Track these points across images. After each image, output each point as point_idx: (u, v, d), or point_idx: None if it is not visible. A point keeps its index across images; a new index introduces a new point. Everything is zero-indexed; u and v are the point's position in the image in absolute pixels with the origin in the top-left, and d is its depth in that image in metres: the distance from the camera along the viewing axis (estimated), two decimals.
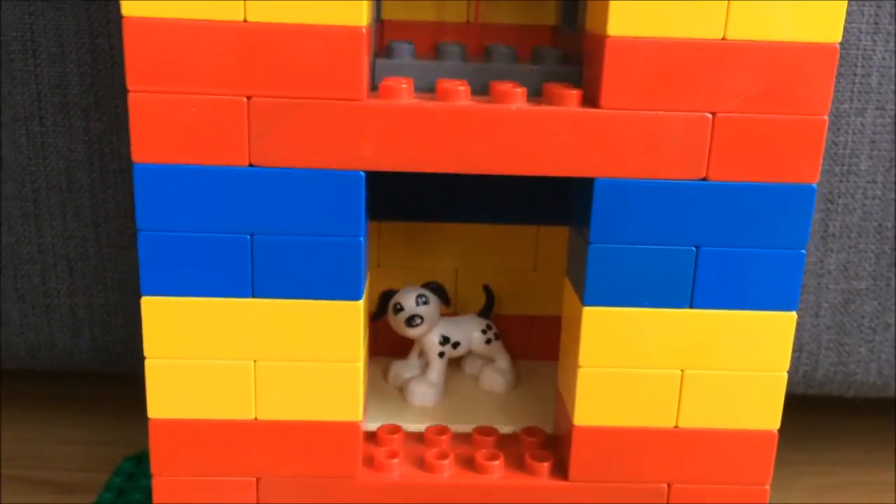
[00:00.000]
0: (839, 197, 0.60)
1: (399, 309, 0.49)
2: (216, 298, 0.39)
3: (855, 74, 0.58)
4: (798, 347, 0.63)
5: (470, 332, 0.52)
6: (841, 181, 0.60)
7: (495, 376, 0.52)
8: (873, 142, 0.59)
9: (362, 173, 0.38)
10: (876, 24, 0.57)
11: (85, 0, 0.56)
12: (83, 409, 0.70)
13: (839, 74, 0.58)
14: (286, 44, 0.36)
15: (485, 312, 0.54)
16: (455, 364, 0.54)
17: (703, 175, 0.38)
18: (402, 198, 0.52)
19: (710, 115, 0.38)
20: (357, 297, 0.39)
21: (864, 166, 0.60)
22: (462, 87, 0.38)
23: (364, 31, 0.36)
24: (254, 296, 0.39)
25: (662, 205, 0.38)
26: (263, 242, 0.39)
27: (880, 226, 0.61)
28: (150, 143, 0.37)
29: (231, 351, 0.39)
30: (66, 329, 0.62)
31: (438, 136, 0.38)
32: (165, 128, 0.37)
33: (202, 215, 0.38)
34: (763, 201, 0.39)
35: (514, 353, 0.55)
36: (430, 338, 0.51)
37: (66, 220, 0.60)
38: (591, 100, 0.39)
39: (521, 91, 0.38)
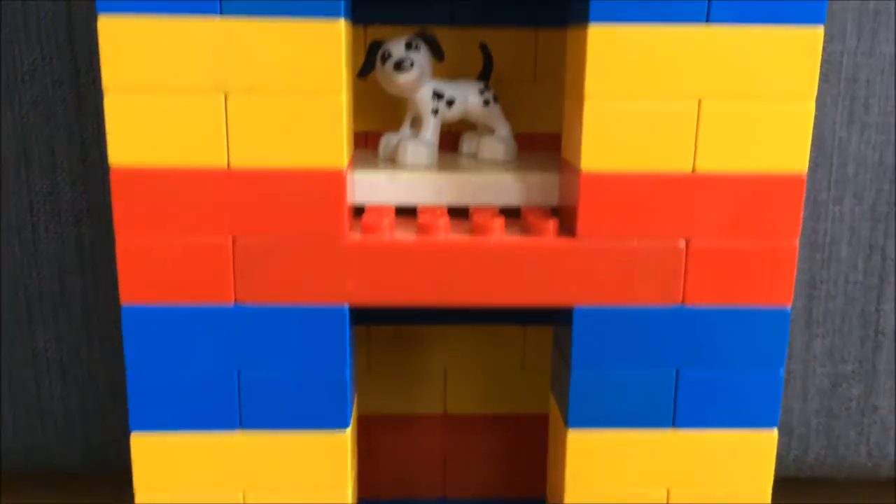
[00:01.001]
0: (821, 283, 0.61)
1: (387, 57, 0.45)
2: (204, 432, 0.39)
3: (832, 164, 0.59)
4: (788, 431, 0.64)
5: (466, 92, 0.47)
6: (822, 268, 0.61)
7: (495, 144, 0.48)
8: (852, 229, 0.60)
9: (346, 308, 0.39)
10: (850, 115, 0.58)
11: (76, 112, 0.57)
12: None
13: (816, 164, 0.59)
14: (269, 187, 0.37)
15: (483, 75, 0.49)
16: (452, 147, 0.51)
17: (680, 300, 0.39)
18: None
19: (683, 243, 0.39)
20: (344, 426, 0.40)
21: (845, 253, 0.61)
22: (442, 220, 0.39)
23: (344, 172, 0.38)
24: (241, 427, 0.40)
25: (641, 330, 0.39)
26: (250, 378, 0.39)
27: (863, 310, 0.62)
28: (137, 286, 0.38)
29: (220, 484, 0.40)
30: (59, 432, 0.62)
31: (420, 271, 0.38)
32: (153, 270, 0.38)
33: (190, 353, 0.39)
34: (739, 324, 0.39)
35: (502, 451, 0.55)
36: (423, 93, 0.46)
37: (59, 325, 0.61)
38: (567, 228, 0.40)
39: (499, 222, 0.40)
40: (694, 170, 0.38)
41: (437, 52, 0.46)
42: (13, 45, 0.56)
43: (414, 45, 0.45)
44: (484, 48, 0.49)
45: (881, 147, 0.59)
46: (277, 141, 0.37)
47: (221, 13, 0.35)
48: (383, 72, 0.45)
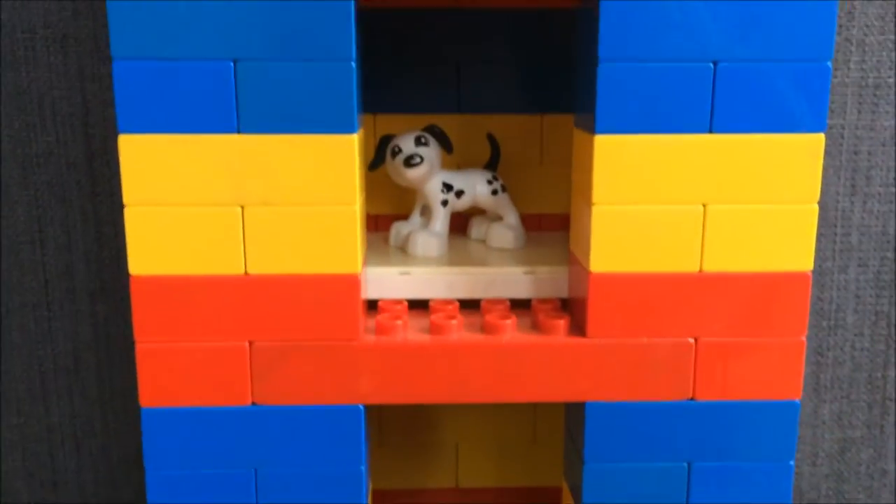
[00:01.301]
0: (828, 350, 0.62)
1: (397, 152, 0.46)
2: None
3: (836, 234, 0.60)
4: (798, 496, 0.64)
5: (475, 182, 0.48)
6: (829, 335, 0.62)
7: (504, 231, 0.49)
8: (858, 297, 0.61)
9: (361, 407, 0.40)
10: (852, 186, 0.59)
11: (90, 193, 0.58)
12: None
13: (821, 233, 0.60)
14: (285, 291, 0.38)
15: (490, 164, 0.50)
16: (461, 231, 0.51)
17: (690, 395, 0.40)
18: None
19: (693, 340, 0.39)
20: None
21: (851, 320, 0.61)
22: (454, 320, 0.40)
23: (358, 276, 0.38)
24: None
25: (652, 424, 0.40)
26: (267, 475, 0.40)
27: (870, 376, 0.62)
28: (157, 389, 0.39)
29: None
30: None
31: (433, 370, 0.39)
32: (172, 374, 0.39)
33: (208, 452, 0.39)
34: (749, 418, 0.40)
35: None
36: (432, 185, 0.47)
37: (73, 399, 0.62)
38: (577, 325, 0.41)
39: (510, 322, 0.40)
40: (701, 270, 0.39)
41: (446, 146, 0.47)
42: (29, 128, 0.57)
43: (423, 140, 0.46)
44: (491, 138, 0.50)
45: (884, 217, 0.60)
46: (293, 248, 0.38)
47: (239, 131, 0.36)
48: (393, 165, 0.47)
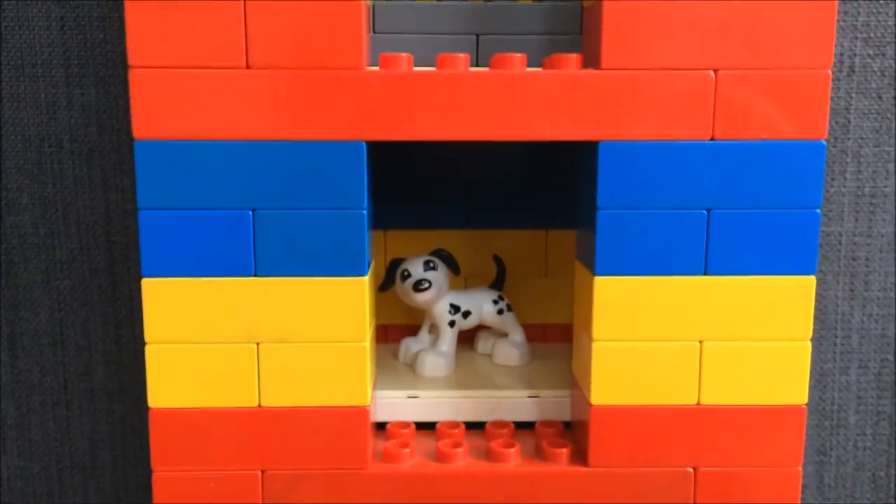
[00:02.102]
0: (831, 449, 0.63)
1: (406, 276, 0.48)
2: None
3: (836, 337, 0.61)
4: None
5: (481, 303, 0.50)
6: (832, 434, 0.62)
7: (509, 349, 0.50)
8: (859, 398, 0.62)
9: None
10: (851, 290, 0.61)
11: (111, 297, 0.60)
12: None
13: (821, 336, 0.62)
14: (297, 423, 0.40)
15: (496, 284, 0.52)
16: (468, 344, 0.53)
17: None
18: None
19: (692, 470, 0.41)
20: None
21: (853, 420, 0.62)
22: (460, 449, 0.42)
23: (368, 409, 0.40)
24: None
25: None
26: None
27: (874, 475, 0.63)
28: None
29: None
30: None
31: (439, 497, 0.40)
32: (187, 501, 0.40)
33: None
34: None
35: None
36: (440, 307, 0.49)
37: (89, 496, 0.63)
38: (580, 453, 0.42)
39: (514, 451, 0.42)
40: (699, 402, 0.40)
41: (453, 268, 0.49)
42: (53, 236, 0.60)
43: (431, 264, 0.48)
44: (497, 259, 0.52)
45: (883, 320, 0.61)
46: (305, 383, 0.39)
47: (256, 274, 0.38)
48: (403, 288, 0.49)
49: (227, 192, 0.38)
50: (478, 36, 0.46)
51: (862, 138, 0.59)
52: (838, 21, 0.58)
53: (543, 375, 0.48)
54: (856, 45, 0.58)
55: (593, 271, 0.39)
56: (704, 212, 0.39)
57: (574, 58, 0.38)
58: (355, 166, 0.38)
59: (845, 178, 0.60)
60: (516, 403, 0.45)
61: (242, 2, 0.37)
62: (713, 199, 0.38)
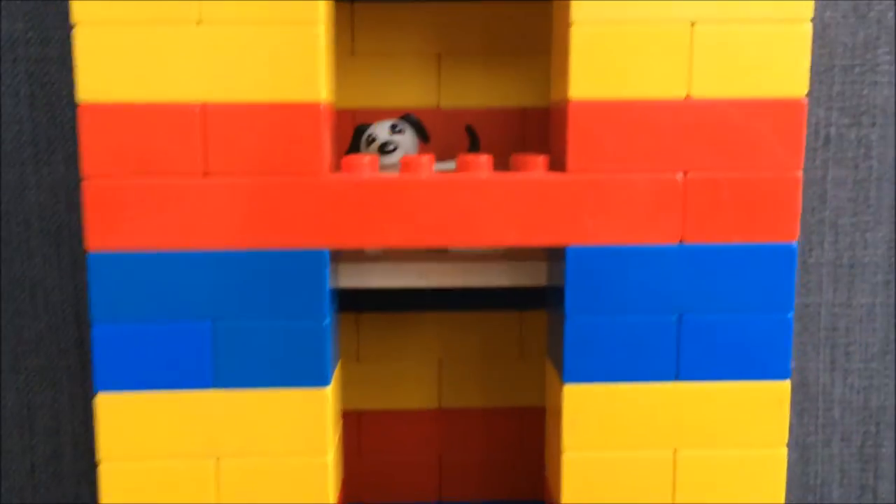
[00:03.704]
0: None
1: (372, 140, 0.45)
2: None
3: (818, 409, 0.60)
4: None
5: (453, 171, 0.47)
6: None
7: None
8: (842, 470, 0.61)
9: None
10: (832, 362, 0.60)
11: (81, 378, 0.59)
12: None
13: (802, 409, 0.61)
14: None
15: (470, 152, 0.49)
16: None
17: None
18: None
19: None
20: None
21: (836, 494, 0.61)
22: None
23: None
24: None
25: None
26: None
27: None
28: None
29: None
30: None
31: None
32: None
33: None
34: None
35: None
36: None
37: None
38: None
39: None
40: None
41: (422, 135, 0.47)
42: (21, 315, 0.58)
43: (399, 128, 0.46)
44: (470, 129, 0.49)
45: (865, 391, 0.60)
46: (267, 495, 0.38)
47: (214, 386, 0.37)
48: (368, 153, 0.46)
49: (186, 303, 0.37)
50: None
51: (839, 208, 0.59)
52: (813, 92, 0.58)
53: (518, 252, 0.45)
54: (831, 115, 0.58)
55: (562, 378, 0.38)
56: (675, 317, 0.38)
57: (540, 160, 0.37)
58: (317, 274, 0.37)
59: (823, 249, 0.59)
60: (489, 270, 0.43)
61: (200, 109, 0.36)
62: (683, 304, 0.38)
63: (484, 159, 0.37)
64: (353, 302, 0.52)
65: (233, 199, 0.36)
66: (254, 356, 0.37)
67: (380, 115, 0.49)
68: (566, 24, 0.37)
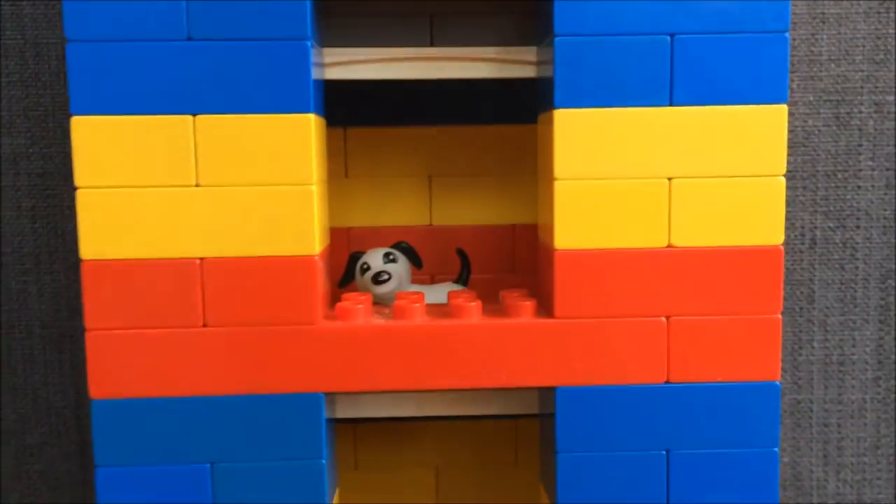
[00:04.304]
0: None
1: (366, 269, 0.46)
2: None
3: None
4: None
5: (444, 297, 0.47)
6: None
7: None
8: None
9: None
10: (825, 457, 0.61)
11: (82, 483, 0.60)
12: None
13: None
14: None
15: (461, 279, 0.50)
16: None
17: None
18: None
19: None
20: None
21: None
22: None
23: None
24: None
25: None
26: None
27: None
28: None
29: None
30: None
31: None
32: None
33: None
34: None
35: None
36: None
37: None
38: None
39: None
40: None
41: (415, 261, 0.48)
42: (24, 421, 0.59)
43: (391, 256, 0.47)
44: (461, 253, 0.50)
45: (858, 485, 0.61)
46: None
47: None
48: (362, 282, 0.47)
49: (186, 447, 0.38)
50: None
51: (827, 308, 0.60)
52: (798, 196, 0.59)
53: None
54: (816, 219, 0.59)
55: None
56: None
57: (529, 305, 0.39)
58: (314, 417, 0.38)
59: (813, 347, 0.60)
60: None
61: (198, 262, 0.37)
62: (671, 441, 0.39)
63: (474, 305, 0.39)
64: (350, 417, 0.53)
65: (231, 348, 0.38)
66: (253, 496, 0.38)
67: (373, 233, 0.51)
68: (550, 178, 0.38)
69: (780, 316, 0.38)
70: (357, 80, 0.43)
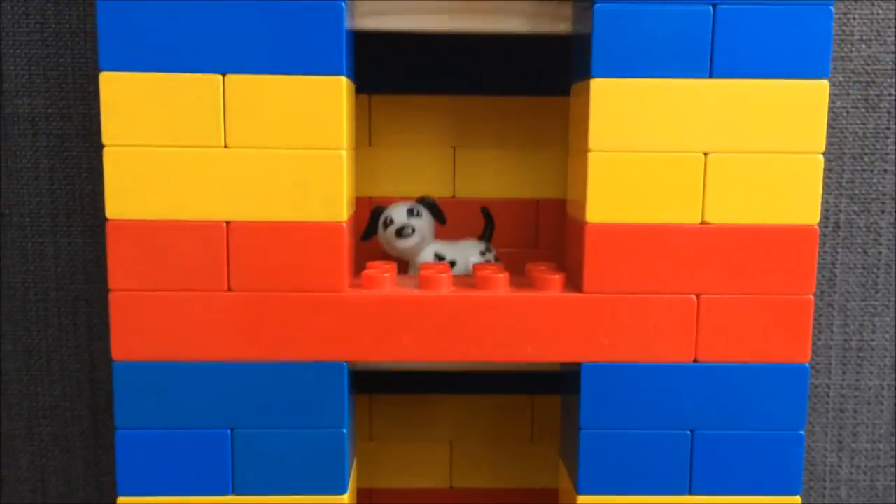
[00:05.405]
0: None
1: (389, 223, 0.46)
2: None
3: (824, 489, 0.61)
4: None
5: (468, 254, 0.47)
6: None
7: None
8: None
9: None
10: (839, 442, 0.60)
11: (94, 443, 0.60)
12: None
13: (809, 487, 0.61)
14: None
15: (484, 235, 0.49)
16: None
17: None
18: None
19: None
20: None
21: None
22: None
23: None
24: None
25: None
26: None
27: None
28: None
29: None
30: None
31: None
32: None
33: None
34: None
35: None
36: (424, 255, 0.46)
37: None
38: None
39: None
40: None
41: (438, 217, 0.47)
42: (36, 382, 0.59)
43: (415, 211, 0.46)
44: (485, 212, 0.50)
45: (871, 472, 0.60)
46: None
47: (233, 493, 0.38)
48: (385, 236, 0.46)
49: (207, 412, 0.37)
50: None
51: (848, 292, 0.59)
52: (823, 178, 0.58)
53: None
54: (840, 202, 0.58)
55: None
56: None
57: (557, 279, 0.38)
58: (336, 386, 0.38)
59: (832, 332, 0.60)
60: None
61: (224, 225, 0.37)
62: (696, 420, 0.38)
63: (501, 277, 0.38)
64: (367, 384, 0.53)
65: (255, 313, 0.37)
66: (272, 463, 0.38)
67: (397, 202, 0.50)
68: (584, 150, 0.38)
69: (811, 297, 0.38)
70: (389, 31, 0.42)
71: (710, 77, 0.37)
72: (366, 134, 0.50)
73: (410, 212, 0.46)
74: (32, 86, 0.58)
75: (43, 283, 0.59)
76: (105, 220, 0.38)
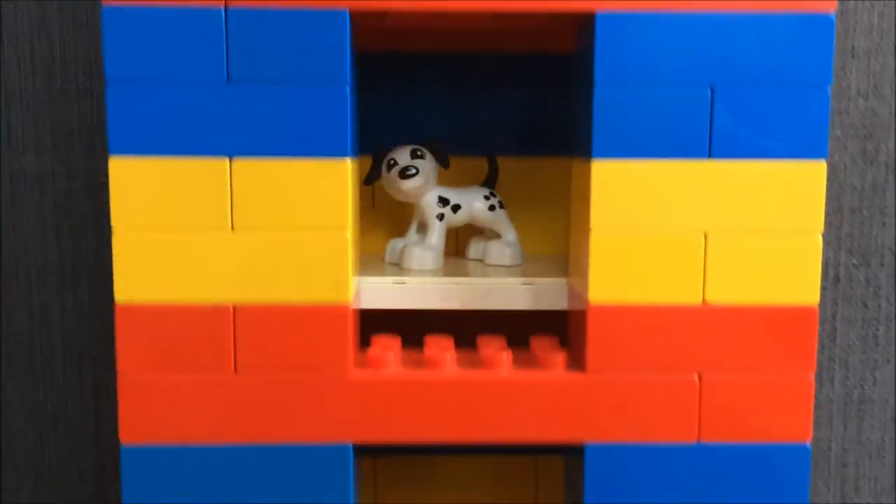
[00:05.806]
0: None
1: (393, 164, 0.45)
2: None
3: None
4: None
5: (472, 199, 0.47)
6: None
7: (501, 248, 0.47)
8: None
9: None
10: (842, 497, 0.61)
11: (99, 502, 0.60)
12: None
13: None
14: None
15: (488, 181, 0.49)
16: (459, 251, 0.50)
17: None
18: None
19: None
20: None
21: None
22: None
23: None
24: None
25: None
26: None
27: None
28: None
29: None
30: None
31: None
32: None
33: None
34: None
35: None
36: (428, 199, 0.46)
37: None
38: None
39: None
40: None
41: (442, 160, 0.47)
42: (42, 441, 0.59)
43: (419, 153, 0.46)
44: (490, 158, 0.50)
45: None
46: None
47: None
48: (389, 179, 0.46)
49: (213, 494, 0.38)
50: None
51: (848, 346, 0.60)
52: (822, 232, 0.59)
53: (539, 270, 0.45)
54: (840, 255, 0.59)
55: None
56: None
57: (559, 359, 0.39)
58: (342, 468, 0.38)
59: (833, 385, 0.60)
60: (509, 290, 0.42)
61: (231, 308, 0.37)
62: (701, 501, 0.39)
63: (504, 356, 0.39)
64: (370, 448, 0.53)
65: (261, 395, 0.38)
66: None
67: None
68: (586, 229, 0.38)
69: (812, 376, 0.38)
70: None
71: (710, 158, 0.38)
72: (368, 198, 0.50)
73: (414, 153, 0.46)
74: (39, 143, 0.58)
75: (49, 339, 0.60)
76: (110, 275, 0.38)
